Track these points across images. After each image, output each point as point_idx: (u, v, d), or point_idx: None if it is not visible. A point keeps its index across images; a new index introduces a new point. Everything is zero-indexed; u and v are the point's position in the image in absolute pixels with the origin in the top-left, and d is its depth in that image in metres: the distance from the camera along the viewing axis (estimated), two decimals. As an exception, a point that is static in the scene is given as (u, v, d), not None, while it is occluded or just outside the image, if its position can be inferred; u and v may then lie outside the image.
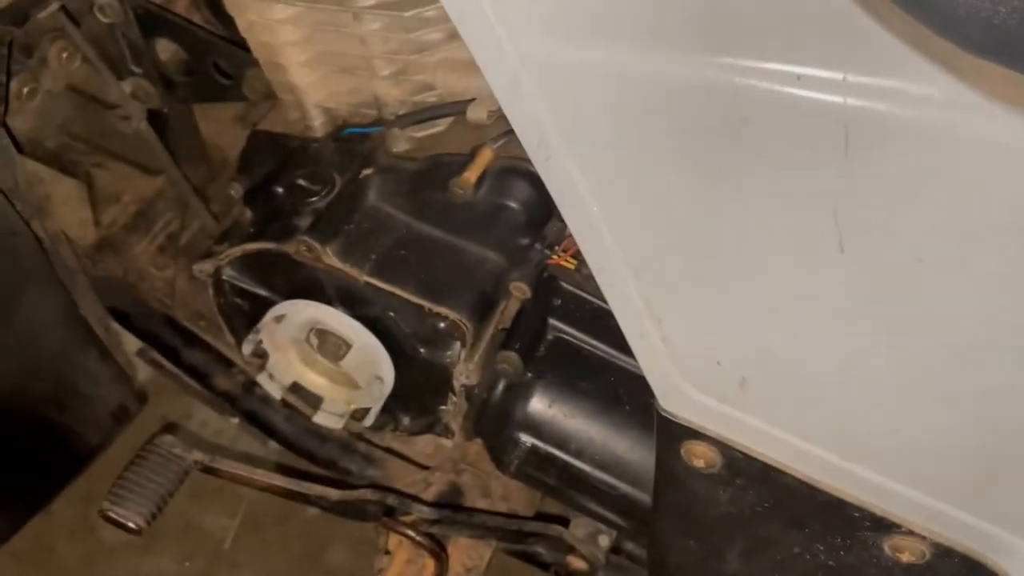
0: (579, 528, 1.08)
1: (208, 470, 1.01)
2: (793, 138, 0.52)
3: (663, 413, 0.70)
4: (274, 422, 1.28)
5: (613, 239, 0.61)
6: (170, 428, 1.22)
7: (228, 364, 1.29)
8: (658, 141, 0.55)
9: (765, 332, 0.61)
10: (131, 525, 0.95)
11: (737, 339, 0.62)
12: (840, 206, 0.54)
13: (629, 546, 1.01)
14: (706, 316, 0.63)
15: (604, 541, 1.08)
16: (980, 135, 0.48)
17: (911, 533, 0.66)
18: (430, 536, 0.98)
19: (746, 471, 0.70)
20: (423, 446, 1.26)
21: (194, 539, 1.77)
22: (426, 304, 0.90)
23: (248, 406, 1.27)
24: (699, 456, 0.71)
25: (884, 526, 0.67)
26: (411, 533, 0.97)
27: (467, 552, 1.13)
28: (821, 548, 0.71)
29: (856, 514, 0.67)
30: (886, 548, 0.68)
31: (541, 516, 1.11)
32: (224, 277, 1.03)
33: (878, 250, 0.55)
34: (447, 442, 1.17)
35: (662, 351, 0.66)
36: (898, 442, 0.62)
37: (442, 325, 0.94)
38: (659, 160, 0.56)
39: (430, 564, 1.06)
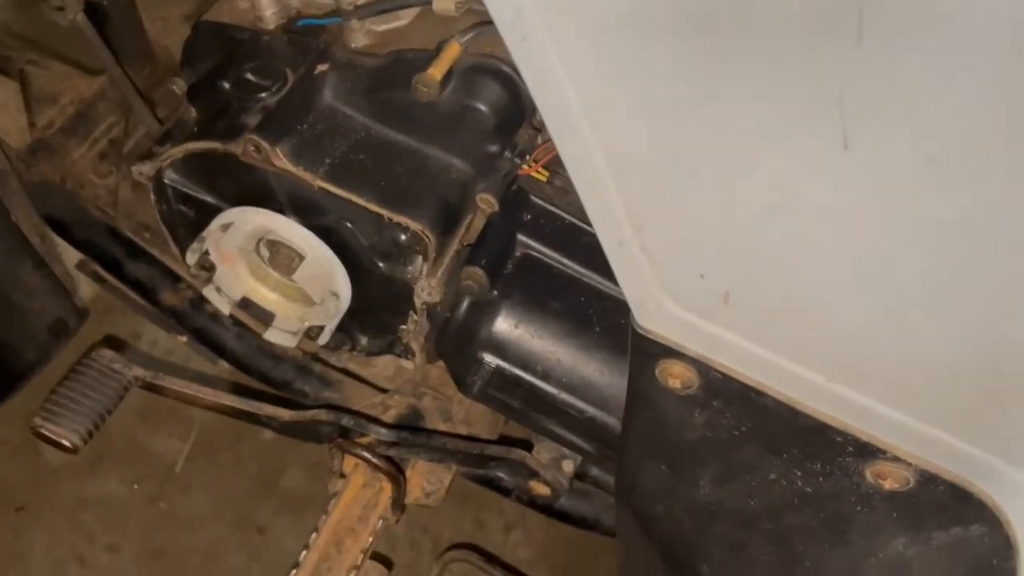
0: (543, 453, 1.04)
1: (150, 387, 0.94)
2: (800, 16, 0.46)
3: (639, 330, 0.65)
4: (224, 340, 1.21)
5: (594, 133, 0.55)
6: (113, 344, 1.15)
7: (175, 279, 1.22)
8: (649, 17, 0.48)
9: (755, 241, 0.56)
10: (65, 443, 0.89)
11: (724, 249, 0.57)
12: (848, 95, 0.48)
13: (594, 471, 0.97)
14: (692, 223, 0.57)
15: (568, 466, 1.05)
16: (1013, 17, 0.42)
17: (896, 459, 0.62)
18: (387, 459, 0.94)
19: (724, 392, 0.66)
20: (382, 368, 1.20)
21: (143, 461, 1.72)
22: (385, 213, 0.84)
23: (197, 323, 1.20)
24: (675, 376, 0.66)
25: (868, 452, 0.63)
26: (367, 455, 0.92)
27: (427, 476, 1.09)
28: (799, 474, 0.68)
29: (839, 439, 0.63)
30: (868, 475, 0.65)
31: (504, 440, 1.07)
32: (166, 181, 0.95)
33: (886, 148, 0.49)
34: (408, 364, 1.12)
35: (642, 262, 0.61)
36: (891, 363, 0.58)
37: (402, 237, 0.88)
38: (650, 41, 0.49)
39: (387, 487, 1.02)
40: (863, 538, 0.68)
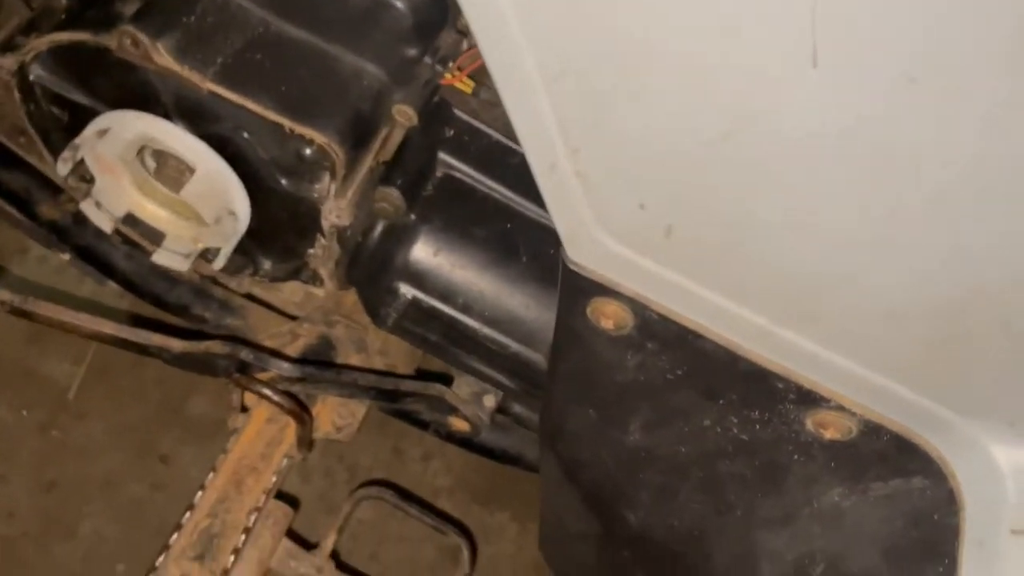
0: (463, 387, 0.98)
1: (19, 312, 0.84)
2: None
3: (570, 265, 0.58)
4: (113, 259, 1.10)
5: (524, 33, 0.46)
6: None
7: (55, 190, 1.09)
8: None
9: (706, 168, 0.49)
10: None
11: (670, 176, 0.50)
12: (821, 4, 0.41)
13: (516, 408, 0.92)
14: (635, 145, 0.50)
15: (489, 401, 0.99)
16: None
17: (840, 408, 0.58)
18: (290, 395, 0.86)
19: (660, 334, 0.60)
20: (290, 293, 1.11)
21: (34, 387, 1.59)
22: (287, 123, 0.74)
23: (81, 240, 1.08)
24: (608, 316, 0.60)
25: (810, 400, 0.58)
26: (267, 392, 0.84)
27: (338, 410, 1.02)
28: (735, 422, 0.63)
29: (780, 385, 0.59)
30: (808, 424, 0.60)
31: (423, 373, 1.00)
32: (32, 77, 0.82)
33: (861, 65, 0.42)
34: (318, 290, 1.03)
35: (575, 189, 0.53)
36: (841, 305, 0.52)
37: (307, 151, 0.78)
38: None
39: (292, 424, 0.94)
40: (798, 487, 0.65)
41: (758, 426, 0.63)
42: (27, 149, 1.12)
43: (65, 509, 1.50)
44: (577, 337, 0.64)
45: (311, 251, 0.89)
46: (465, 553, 1.03)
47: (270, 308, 1.14)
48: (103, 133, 0.79)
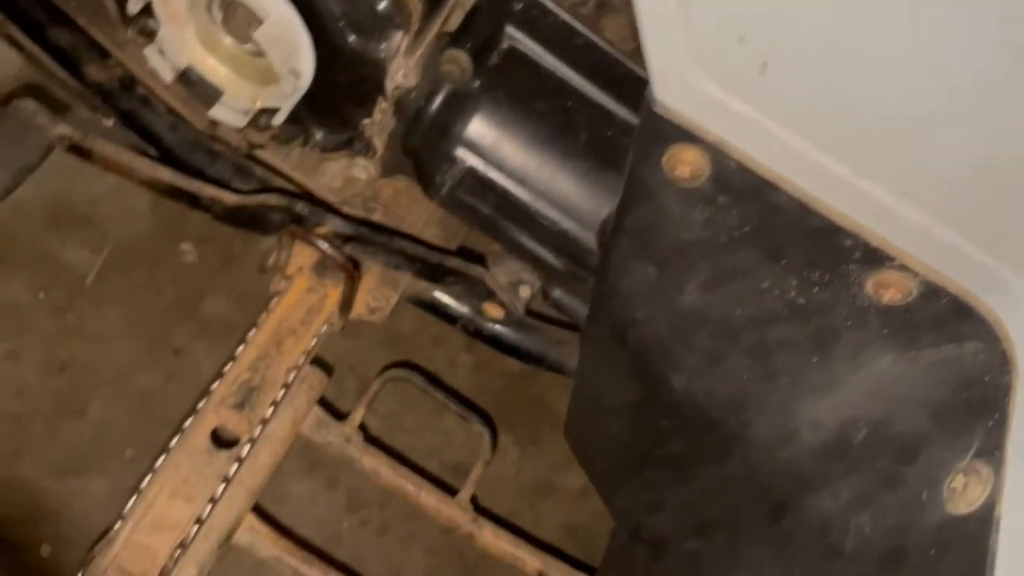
0: (500, 276, 1.00)
1: (77, 149, 0.84)
2: None
3: (654, 107, 0.60)
4: (156, 128, 1.09)
5: None
6: (41, 98, 1.01)
7: (103, 53, 1.09)
8: None
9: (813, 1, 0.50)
10: (-24, 196, 0.79)
11: (775, 7, 0.51)
12: None
13: (557, 292, 0.93)
14: (744, -30, 0.51)
15: (525, 291, 1.01)
16: None
17: (903, 268, 0.60)
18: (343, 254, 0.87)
19: (735, 186, 0.61)
20: (330, 178, 1.12)
21: (51, 270, 1.59)
22: (369, -31, 0.74)
23: (126, 105, 1.08)
24: (685, 164, 0.61)
25: (875, 258, 0.60)
26: (323, 245, 0.85)
27: (372, 292, 1.03)
28: (794, 283, 0.65)
29: (848, 243, 0.60)
30: (868, 285, 0.62)
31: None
32: (107, -86, 0.82)
33: None
34: (360, 173, 1.04)
35: (675, 16, 0.54)
36: (928, 152, 0.54)
37: (382, 5, 0.79)
38: None
39: (333, 293, 0.95)
40: (848, 354, 0.67)
41: (816, 288, 0.65)
42: (76, 9, 1.11)
43: (75, 391, 1.51)
44: (648, 189, 0.65)
45: (367, 120, 0.90)
46: (487, 440, 1.05)
47: (307, 192, 1.15)
48: (178, -29, 0.79)
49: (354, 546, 1.54)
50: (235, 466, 0.82)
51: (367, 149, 0.92)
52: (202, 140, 1.09)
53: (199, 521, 0.78)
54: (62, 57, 1.07)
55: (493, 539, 0.99)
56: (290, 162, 1.13)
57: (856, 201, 0.58)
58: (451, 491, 1.02)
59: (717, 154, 0.60)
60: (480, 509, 1.02)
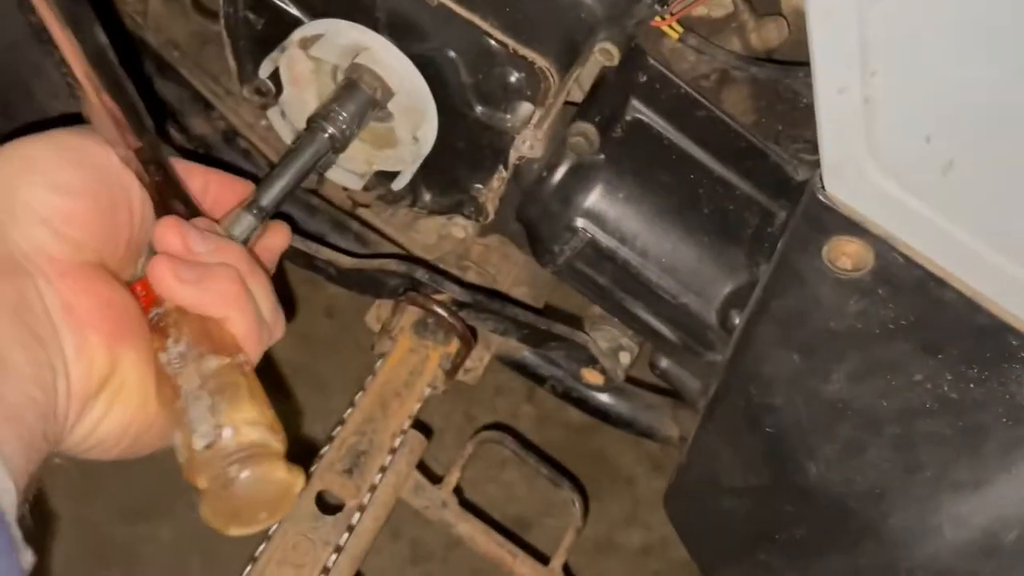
0: (600, 341, 0.99)
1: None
2: None
3: (820, 197, 0.59)
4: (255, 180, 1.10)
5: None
6: None
7: (207, 105, 1.10)
8: None
9: (1012, 99, 0.49)
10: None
11: (971, 107, 0.51)
12: None
13: (664, 363, 0.92)
14: (938, 70, 0.50)
15: (625, 358, 1.00)
16: None
17: (1073, 370, 0.58)
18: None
19: (898, 279, 0.60)
20: (425, 235, 1.12)
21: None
22: (511, 43, 0.74)
23: (228, 157, 1.09)
24: (848, 256, 0.60)
25: (1044, 359, 0.59)
26: (443, 312, 0.84)
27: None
28: (948, 378, 0.63)
29: (1014, 343, 0.59)
30: (1032, 385, 0.61)
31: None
32: (235, -20, 0.83)
33: None
34: (458, 233, 1.04)
35: (858, 114, 0.54)
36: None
37: (513, 78, 0.79)
38: None
39: (434, 355, 0.95)
40: (1000, 452, 0.65)
41: (972, 385, 0.63)
42: (180, 63, 1.13)
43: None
44: (801, 277, 0.64)
45: (479, 185, 0.90)
46: (577, 507, 1.03)
47: (400, 249, 1.15)
48: (311, 40, 0.80)
49: (418, 599, 1.52)
50: (346, 535, 0.80)
51: (478, 213, 0.92)
52: (300, 195, 1.09)
53: (312, 592, 0.77)
54: (167, 111, 1.08)
55: (586, 611, 0.97)
56: (382, 217, 1.13)
57: (1031, 302, 0.57)
58: (543, 559, 1.01)
59: (883, 247, 0.59)
60: (571, 577, 1.00)
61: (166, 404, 0.54)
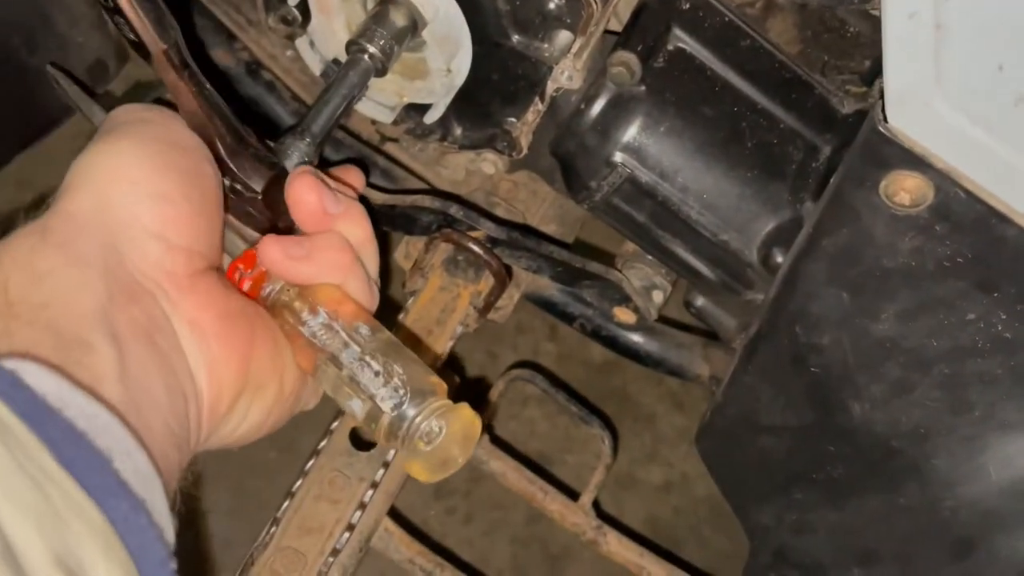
0: (632, 280, 0.97)
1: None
2: None
3: (882, 129, 0.57)
4: (280, 115, 1.08)
5: None
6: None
7: (230, 36, 1.07)
8: None
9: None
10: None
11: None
12: None
13: (700, 301, 0.91)
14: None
15: (658, 297, 0.98)
16: None
17: None
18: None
19: (958, 216, 0.58)
20: (453, 170, 1.09)
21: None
22: (552, -33, 0.71)
23: (250, 91, 1.07)
24: (907, 191, 0.58)
25: (1107, 298, 0.57)
26: (479, 250, 0.83)
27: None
28: (1003, 317, 0.62)
29: (1076, 281, 0.57)
30: (1091, 324, 0.59)
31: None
32: (267, -100, 0.79)
33: None
34: (488, 169, 1.01)
35: (928, 42, 0.51)
36: None
37: (552, 5, 0.76)
38: None
39: (464, 293, 0.93)
40: (1052, 393, 0.64)
41: (1028, 324, 0.62)
42: (199, -9, 1.09)
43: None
44: (855, 213, 0.62)
45: (513, 118, 0.87)
46: (607, 444, 1.03)
47: (426, 184, 1.12)
48: (343, -37, 0.77)
49: (441, 534, 1.54)
50: (382, 471, 0.80)
51: (511, 148, 0.89)
52: (325, 128, 1.07)
53: (350, 526, 0.77)
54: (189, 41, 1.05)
55: (617, 546, 0.97)
56: (409, 152, 1.11)
57: (1099, 239, 0.55)
58: (572, 495, 1.01)
59: (945, 182, 0.57)
60: (603, 516, 1.01)
61: (315, 374, 0.55)
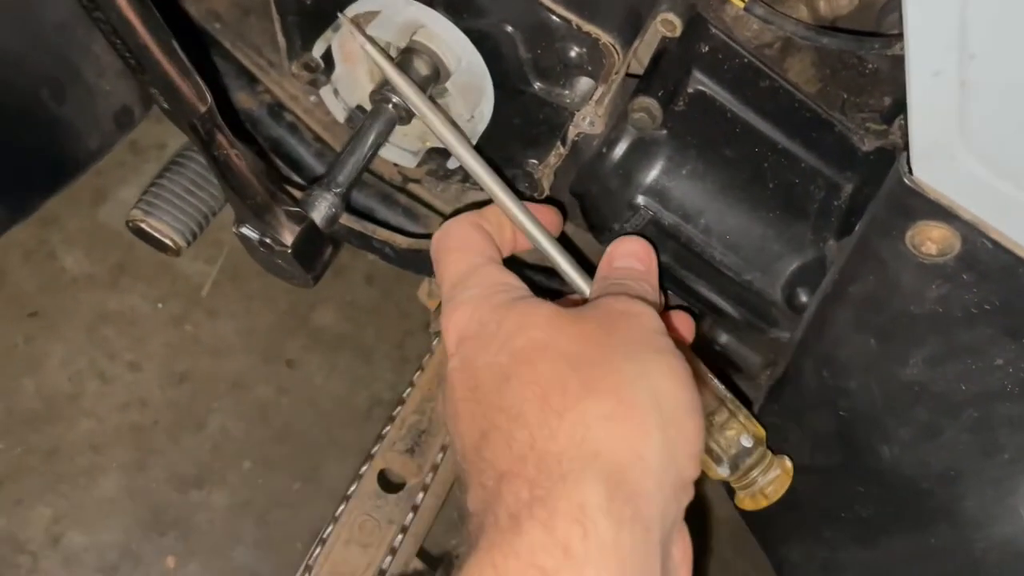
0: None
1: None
2: None
3: (908, 181, 0.57)
4: (302, 156, 1.09)
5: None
6: None
7: (252, 79, 1.08)
8: None
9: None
10: (168, 242, 0.79)
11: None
12: None
13: (724, 339, 0.91)
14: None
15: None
16: None
17: None
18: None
19: (984, 265, 0.58)
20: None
21: (168, 281, 1.61)
22: (574, 19, 0.72)
23: (272, 132, 1.08)
24: (933, 241, 0.58)
25: None
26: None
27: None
28: (1032, 363, 0.62)
29: (1105, 329, 0.57)
30: (1121, 371, 0.59)
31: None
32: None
33: None
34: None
35: (952, 98, 0.51)
36: None
37: (573, 53, 0.77)
38: None
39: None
40: (1082, 436, 0.64)
41: (1057, 369, 0.62)
42: (221, 35, 1.11)
43: (195, 403, 1.53)
44: (881, 261, 0.62)
45: (534, 160, 0.88)
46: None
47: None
48: (367, 17, 0.78)
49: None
50: (411, 515, 0.81)
51: (533, 189, 0.90)
52: (347, 168, 1.08)
53: (381, 572, 0.78)
54: (211, 85, 1.06)
55: None
56: (432, 191, 1.12)
57: None
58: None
59: (971, 232, 0.57)
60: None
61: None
